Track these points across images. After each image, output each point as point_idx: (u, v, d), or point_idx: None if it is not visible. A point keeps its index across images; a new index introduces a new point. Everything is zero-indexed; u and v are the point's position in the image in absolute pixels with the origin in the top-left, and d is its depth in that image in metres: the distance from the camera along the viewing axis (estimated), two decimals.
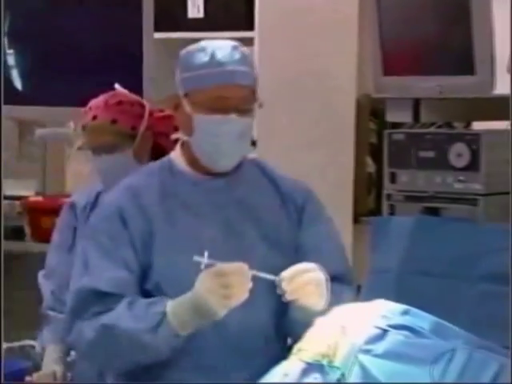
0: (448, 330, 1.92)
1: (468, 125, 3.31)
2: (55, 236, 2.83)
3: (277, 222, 2.20)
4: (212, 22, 3.60)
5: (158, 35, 3.51)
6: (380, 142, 3.34)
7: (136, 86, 3.25)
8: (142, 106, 2.77)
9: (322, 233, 2.24)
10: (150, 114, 2.76)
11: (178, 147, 2.25)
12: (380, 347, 1.86)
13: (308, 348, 1.93)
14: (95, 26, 3.30)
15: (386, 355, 1.84)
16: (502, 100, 2.87)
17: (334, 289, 2.12)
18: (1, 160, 2.79)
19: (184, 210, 2.16)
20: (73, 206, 2.80)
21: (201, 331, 2.06)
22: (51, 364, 2.69)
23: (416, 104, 3.07)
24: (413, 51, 2.98)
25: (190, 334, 2.05)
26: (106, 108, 2.72)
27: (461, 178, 2.85)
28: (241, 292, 2.00)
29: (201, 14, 3.63)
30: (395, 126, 3.32)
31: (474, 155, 2.81)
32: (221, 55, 2.13)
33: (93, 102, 2.75)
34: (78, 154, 3.12)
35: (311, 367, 1.89)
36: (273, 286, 2.07)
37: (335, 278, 2.15)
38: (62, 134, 3.65)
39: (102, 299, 2.09)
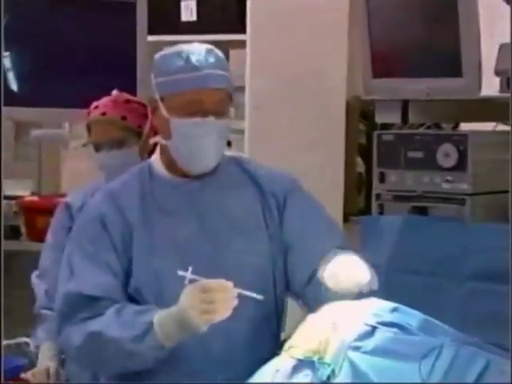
0: (435, 327, 1.92)
1: (456, 126, 3.32)
2: (49, 236, 2.83)
3: (254, 221, 2.17)
4: (205, 25, 3.61)
5: (151, 38, 3.52)
6: (369, 143, 3.36)
7: (130, 88, 3.26)
8: (145, 107, 2.79)
9: (311, 224, 2.19)
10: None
11: (157, 151, 2.24)
12: (369, 344, 1.86)
13: (299, 345, 1.94)
14: (90, 29, 3.30)
15: (375, 352, 1.85)
16: (489, 101, 2.88)
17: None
18: (1, 161, 2.78)
19: (161, 213, 2.15)
20: (68, 206, 2.81)
21: (185, 342, 2.04)
22: (46, 361, 2.69)
23: (404, 105, 3.08)
24: (401, 54, 2.99)
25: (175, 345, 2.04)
26: (115, 105, 2.74)
27: (448, 178, 2.86)
28: (224, 308, 1.97)
29: (194, 17, 3.63)
30: (384, 127, 3.33)
31: (462, 156, 2.82)
32: (195, 59, 2.11)
33: (99, 102, 2.77)
34: (74, 154, 3.12)
35: (302, 364, 1.89)
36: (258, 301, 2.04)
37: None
38: (57, 134, 3.65)
39: (89, 304, 2.08)
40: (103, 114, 2.73)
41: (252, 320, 2.13)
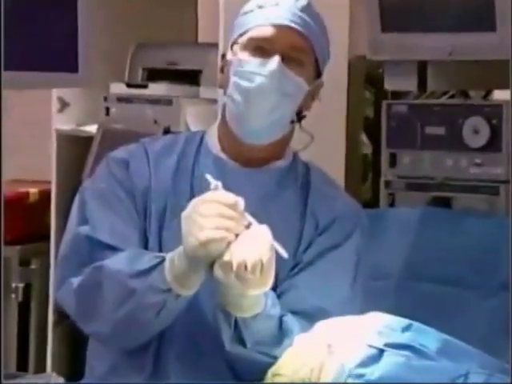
0: (459, 349, 1.93)
1: (487, 94, 3.33)
2: None
3: (283, 227, 2.16)
4: None
5: None
6: (378, 116, 3.36)
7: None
8: None
9: (322, 270, 2.17)
10: None
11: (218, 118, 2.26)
12: (375, 371, 1.87)
13: (285, 373, 1.94)
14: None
15: (382, 381, 1.85)
16: None
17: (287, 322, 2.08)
18: (1, 161, 2.82)
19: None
20: None
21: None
22: None
23: (422, 68, 3.09)
24: (418, 2, 2.99)
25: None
26: None
27: (478, 160, 2.88)
28: (219, 229, 1.95)
29: None
30: (396, 95, 3.34)
31: (494, 132, 2.84)
32: None
33: None
34: None
35: None
36: None
37: (300, 314, 2.10)
38: None
39: (102, 251, 2.11)
40: None
41: None
